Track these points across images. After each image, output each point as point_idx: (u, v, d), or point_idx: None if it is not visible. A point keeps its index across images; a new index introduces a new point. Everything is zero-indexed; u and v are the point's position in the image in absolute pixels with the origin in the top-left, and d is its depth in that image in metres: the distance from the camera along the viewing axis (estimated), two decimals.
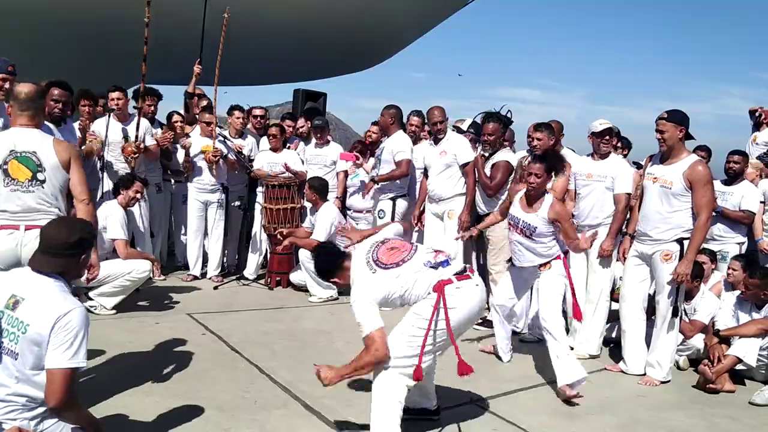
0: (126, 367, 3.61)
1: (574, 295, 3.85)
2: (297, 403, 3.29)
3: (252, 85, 15.32)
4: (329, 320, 5.03)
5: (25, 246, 2.91)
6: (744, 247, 5.37)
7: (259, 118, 6.69)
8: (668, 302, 3.95)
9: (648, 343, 4.12)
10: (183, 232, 6.27)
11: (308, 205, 5.91)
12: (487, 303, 4.95)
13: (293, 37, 10.91)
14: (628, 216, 4.47)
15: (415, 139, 5.84)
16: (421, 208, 5.50)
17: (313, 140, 6.39)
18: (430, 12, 13.37)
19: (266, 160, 6.09)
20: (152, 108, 6.02)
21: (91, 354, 3.60)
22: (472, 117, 6.06)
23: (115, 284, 4.61)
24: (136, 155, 5.39)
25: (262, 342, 4.28)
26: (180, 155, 5.98)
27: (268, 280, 6.02)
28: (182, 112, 6.56)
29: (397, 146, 5.44)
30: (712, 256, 4.97)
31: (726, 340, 4.08)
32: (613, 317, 4.51)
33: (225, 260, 6.34)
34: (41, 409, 2.15)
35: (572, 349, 4.51)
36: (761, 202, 5.38)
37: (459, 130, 5.78)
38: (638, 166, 6.01)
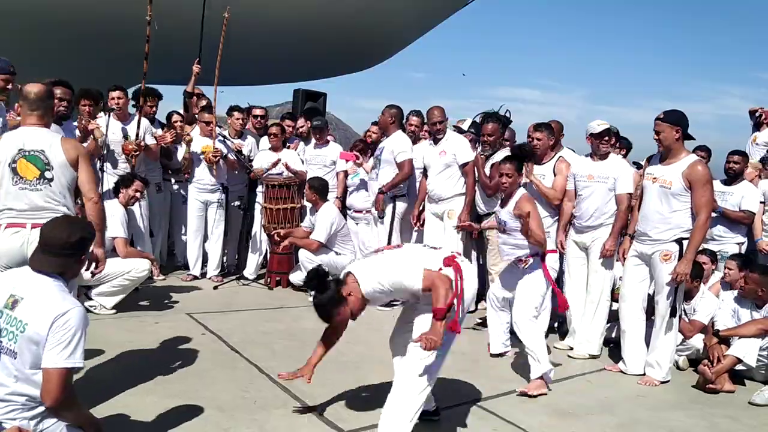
0: (126, 367, 3.61)
1: (555, 286, 3.83)
2: (296, 403, 3.29)
3: (252, 85, 15.33)
4: None
5: (31, 244, 2.91)
6: (744, 247, 5.37)
7: (259, 118, 6.70)
8: (667, 302, 3.95)
9: (647, 343, 4.12)
10: (183, 231, 6.27)
11: (308, 204, 5.92)
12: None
13: (293, 37, 10.92)
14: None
15: (415, 139, 5.84)
16: (421, 208, 5.50)
17: (313, 140, 6.40)
18: (430, 12, 13.38)
19: (266, 159, 6.10)
20: (153, 108, 6.02)
21: (91, 353, 3.62)
22: (472, 117, 6.07)
23: (114, 283, 4.61)
24: (137, 153, 5.39)
25: (262, 342, 4.28)
26: (180, 154, 5.98)
27: (268, 280, 6.02)
28: (182, 111, 6.56)
29: (397, 146, 5.44)
30: (713, 256, 4.97)
31: (726, 341, 4.08)
32: (613, 317, 4.51)
33: (225, 260, 6.34)
34: (41, 409, 2.14)
35: (571, 348, 4.53)
36: (761, 202, 5.38)
37: (459, 130, 5.78)
38: (638, 166, 6.01)
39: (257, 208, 6.16)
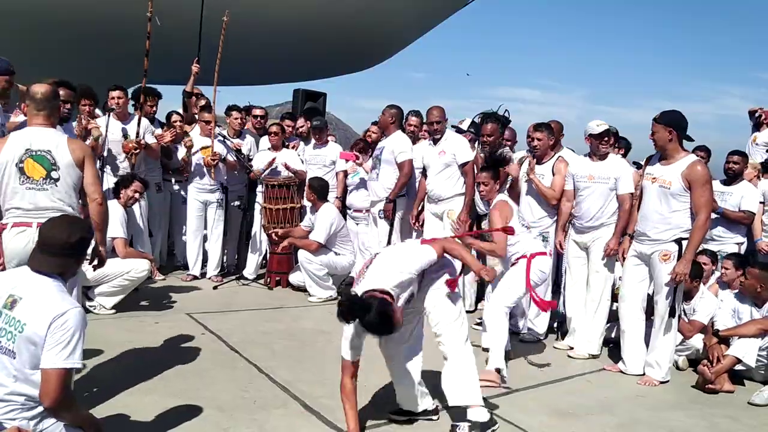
0: (126, 367, 3.62)
1: (532, 290, 3.85)
2: (296, 402, 3.29)
3: (252, 85, 15.33)
4: (329, 320, 5.02)
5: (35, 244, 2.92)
6: (743, 248, 5.37)
7: (259, 118, 6.70)
8: (667, 302, 3.95)
9: (647, 343, 4.12)
10: (183, 231, 6.27)
11: (308, 204, 5.93)
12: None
13: (293, 37, 10.92)
14: None
15: (414, 139, 5.85)
16: (420, 208, 5.50)
17: (313, 140, 6.40)
18: (430, 12, 13.39)
19: (265, 160, 6.10)
20: (153, 108, 6.02)
21: (91, 353, 3.62)
22: (471, 117, 6.07)
23: (113, 284, 4.62)
24: (137, 151, 5.39)
25: (262, 342, 4.28)
26: (180, 153, 5.98)
27: (268, 280, 6.02)
28: (181, 111, 6.56)
29: (398, 147, 5.44)
30: (713, 257, 4.97)
31: (725, 340, 4.08)
32: (613, 317, 4.51)
33: (225, 260, 6.34)
34: (40, 409, 2.14)
35: (571, 348, 4.53)
36: (761, 202, 5.38)
37: (459, 130, 5.78)
38: (638, 166, 6.01)
39: (257, 208, 6.16)
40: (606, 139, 4.46)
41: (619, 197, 4.38)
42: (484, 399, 3.49)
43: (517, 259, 3.87)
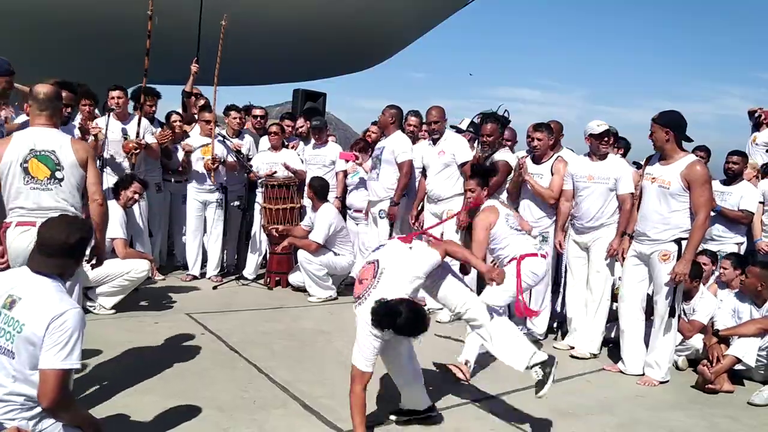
0: (125, 367, 3.61)
1: (520, 293, 3.84)
2: (296, 402, 3.29)
3: (252, 85, 15.33)
4: (328, 320, 5.03)
5: None
6: (743, 248, 5.36)
7: (258, 119, 6.70)
8: (666, 302, 3.95)
9: (647, 343, 4.12)
10: (182, 231, 6.26)
11: (308, 203, 5.93)
12: None
13: (293, 37, 10.92)
14: None
15: (413, 139, 5.85)
16: (419, 208, 5.50)
17: (312, 140, 6.40)
18: (430, 12, 13.38)
19: (265, 160, 6.10)
20: (152, 108, 6.02)
21: (91, 353, 3.62)
22: (470, 117, 6.07)
23: (113, 284, 4.62)
24: (138, 151, 5.39)
25: (261, 342, 4.28)
26: (180, 155, 5.98)
27: (268, 280, 6.02)
28: (180, 111, 6.55)
29: (398, 147, 5.44)
30: (713, 257, 4.97)
31: (725, 340, 4.08)
32: (613, 317, 4.51)
33: (224, 260, 6.33)
34: (39, 409, 2.14)
35: (572, 348, 4.53)
36: (760, 202, 5.38)
37: (458, 130, 5.78)
38: (638, 165, 6.01)
39: (257, 208, 6.16)
40: (606, 139, 4.46)
41: (620, 197, 4.38)
42: (483, 398, 3.51)
43: (509, 261, 3.88)
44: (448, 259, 3.19)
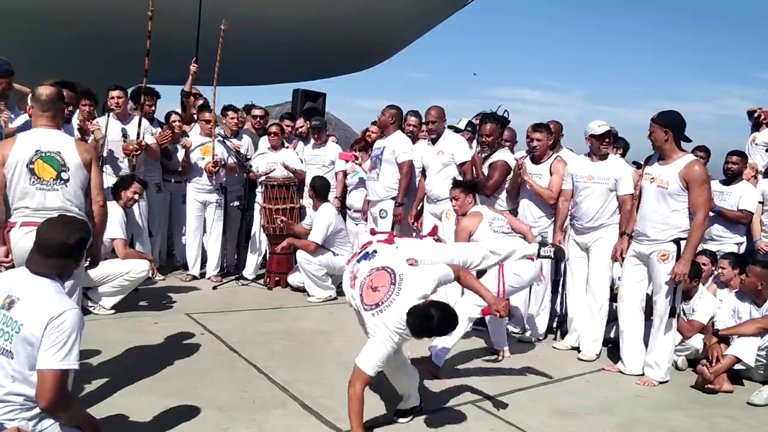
0: (125, 367, 3.61)
1: (500, 295, 3.87)
2: (295, 402, 3.29)
3: (252, 85, 15.33)
4: (328, 320, 5.03)
5: None
6: (743, 248, 5.36)
7: (258, 119, 6.70)
8: (666, 302, 3.95)
9: (646, 343, 4.12)
10: (182, 232, 6.27)
11: (309, 203, 5.93)
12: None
13: (293, 37, 10.91)
14: None
15: (413, 139, 5.85)
16: (419, 208, 5.50)
17: (312, 140, 6.40)
18: (430, 12, 13.37)
19: (264, 161, 6.10)
20: (152, 108, 6.02)
21: (90, 353, 3.62)
22: (469, 118, 6.08)
23: (113, 284, 4.62)
24: (138, 153, 5.39)
25: (261, 342, 4.28)
26: (180, 155, 5.98)
27: (267, 280, 6.02)
28: (179, 111, 6.55)
29: (399, 147, 5.44)
30: (713, 257, 4.96)
31: (725, 340, 4.08)
32: (612, 317, 4.51)
33: (224, 260, 6.33)
34: (39, 409, 2.14)
35: (572, 349, 4.53)
36: (760, 202, 5.37)
37: (456, 130, 5.78)
38: (638, 165, 6.01)
39: (256, 208, 6.16)
40: (607, 140, 4.47)
41: (620, 198, 4.38)
42: (483, 398, 3.51)
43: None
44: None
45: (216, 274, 6.00)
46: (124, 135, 5.45)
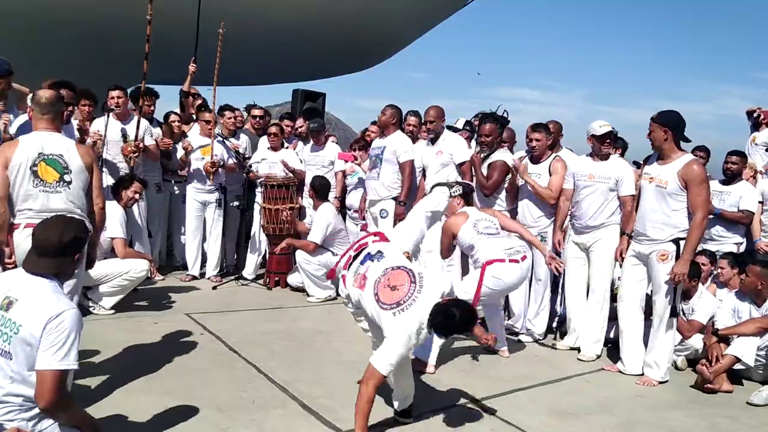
0: (124, 367, 3.61)
1: (477, 299, 3.90)
2: (295, 402, 3.29)
3: (252, 85, 15.33)
4: (327, 320, 5.03)
5: None
6: (742, 248, 5.35)
7: (258, 119, 6.70)
8: (665, 302, 3.95)
9: (646, 343, 4.12)
10: (182, 231, 6.27)
11: (308, 203, 5.93)
12: None
13: (293, 37, 10.91)
14: None
15: (413, 139, 5.84)
16: None
17: (311, 141, 6.41)
18: (430, 12, 13.38)
19: (266, 165, 6.10)
20: (151, 108, 6.02)
21: (90, 353, 3.62)
22: (468, 118, 6.08)
23: (113, 284, 4.62)
24: (136, 154, 5.39)
25: (261, 342, 4.28)
26: (179, 154, 5.98)
27: (267, 280, 6.02)
28: (178, 111, 6.55)
29: (400, 147, 5.43)
30: (712, 257, 4.96)
31: (725, 340, 4.07)
32: (612, 317, 4.51)
33: (224, 260, 6.33)
34: (38, 409, 2.14)
35: (573, 349, 4.53)
36: (759, 202, 5.37)
37: (455, 129, 5.78)
38: (638, 165, 6.01)
39: (256, 208, 6.16)
40: (608, 140, 4.47)
41: (621, 199, 4.38)
42: (482, 398, 3.51)
43: (480, 266, 3.94)
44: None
45: (216, 274, 6.01)
46: (124, 135, 5.46)
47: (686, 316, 4.39)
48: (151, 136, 5.69)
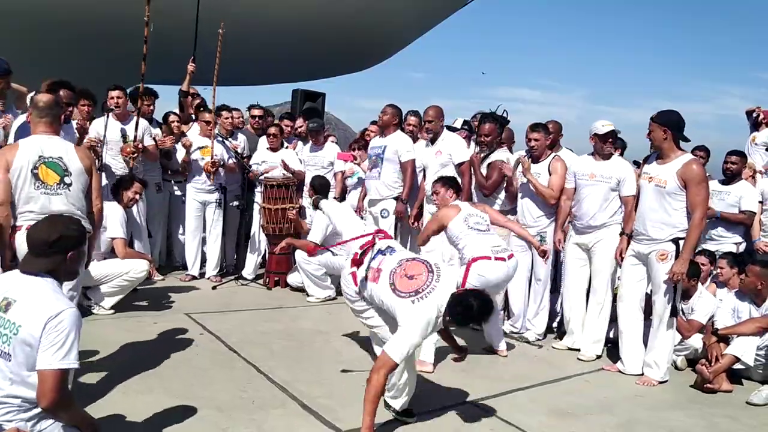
0: (124, 367, 3.61)
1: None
2: (294, 402, 3.29)
3: (252, 85, 15.35)
4: (327, 320, 5.03)
5: None
6: (741, 248, 5.35)
7: (257, 119, 6.70)
8: (665, 302, 3.95)
9: (645, 343, 4.12)
10: (181, 231, 6.27)
11: (309, 203, 5.92)
12: None
13: (293, 37, 10.92)
14: None
15: (413, 139, 5.84)
16: (419, 209, 5.49)
17: (310, 141, 6.41)
18: (430, 12, 13.39)
19: (263, 159, 6.10)
20: (150, 108, 6.02)
21: (90, 353, 3.62)
22: (466, 118, 6.07)
23: (112, 284, 4.62)
24: (135, 155, 5.39)
25: (260, 342, 4.28)
26: (180, 155, 5.98)
27: (267, 280, 6.02)
28: (177, 111, 6.55)
29: (401, 146, 5.43)
30: (712, 257, 4.96)
31: (725, 340, 4.07)
32: (612, 317, 4.51)
33: (224, 260, 6.33)
34: (37, 410, 2.14)
35: (573, 349, 4.53)
36: (759, 202, 5.36)
37: (453, 129, 5.78)
38: (638, 165, 6.01)
39: (255, 208, 6.16)
40: (611, 139, 4.47)
41: (623, 199, 4.38)
42: (482, 398, 3.51)
43: (466, 262, 3.93)
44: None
45: (215, 274, 6.01)
46: (124, 135, 5.45)
47: (686, 315, 4.39)
48: (151, 136, 5.69)
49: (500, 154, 4.96)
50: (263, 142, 6.31)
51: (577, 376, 4.09)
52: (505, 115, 5.07)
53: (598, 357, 4.43)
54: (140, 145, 5.42)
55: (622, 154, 5.80)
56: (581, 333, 4.53)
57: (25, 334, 2.10)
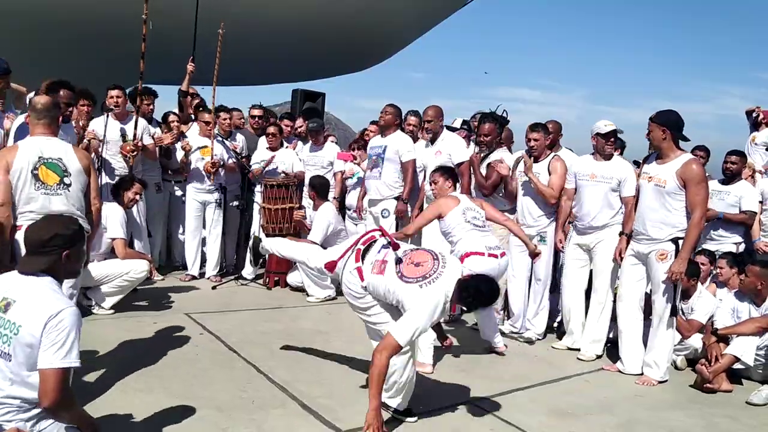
0: (123, 367, 3.60)
1: None
2: (294, 402, 3.29)
3: (252, 85, 15.36)
4: (327, 320, 5.03)
5: None
6: (741, 248, 5.35)
7: (257, 119, 6.70)
8: (664, 301, 3.95)
9: (645, 342, 4.12)
10: (181, 231, 6.27)
11: (308, 203, 5.92)
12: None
13: (293, 37, 10.93)
14: None
15: (413, 139, 5.84)
16: (420, 210, 5.48)
17: (310, 142, 6.41)
18: (430, 12, 13.40)
19: (263, 159, 6.10)
20: (150, 107, 6.02)
21: (89, 353, 3.62)
22: (466, 118, 6.07)
23: (112, 284, 4.62)
24: (135, 153, 5.39)
25: (260, 342, 4.27)
26: (180, 155, 5.98)
27: (267, 280, 6.02)
28: (176, 111, 6.55)
29: (402, 146, 5.42)
30: (712, 257, 4.96)
31: (724, 339, 4.07)
32: (612, 317, 4.50)
33: (224, 260, 6.33)
34: (36, 410, 2.14)
35: (572, 349, 4.52)
36: (759, 201, 5.36)
37: (452, 129, 5.77)
38: (637, 164, 6.01)
39: (255, 208, 6.16)
40: (612, 139, 4.47)
41: (623, 200, 4.38)
42: (482, 398, 3.51)
43: (460, 258, 3.91)
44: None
45: (215, 274, 6.00)
46: (123, 135, 5.45)
47: (685, 315, 4.39)
48: (150, 135, 5.69)
49: (500, 154, 4.95)
50: (263, 142, 6.31)
51: (577, 376, 4.09)
52: (504, 115, 5.07)
53: (598, 357, 4.43)
54: (140, 144, 5.42)
55: (621, 154, 5.80)
56: (581, 333, 4.53)
57: (26, 333, 2.10)
